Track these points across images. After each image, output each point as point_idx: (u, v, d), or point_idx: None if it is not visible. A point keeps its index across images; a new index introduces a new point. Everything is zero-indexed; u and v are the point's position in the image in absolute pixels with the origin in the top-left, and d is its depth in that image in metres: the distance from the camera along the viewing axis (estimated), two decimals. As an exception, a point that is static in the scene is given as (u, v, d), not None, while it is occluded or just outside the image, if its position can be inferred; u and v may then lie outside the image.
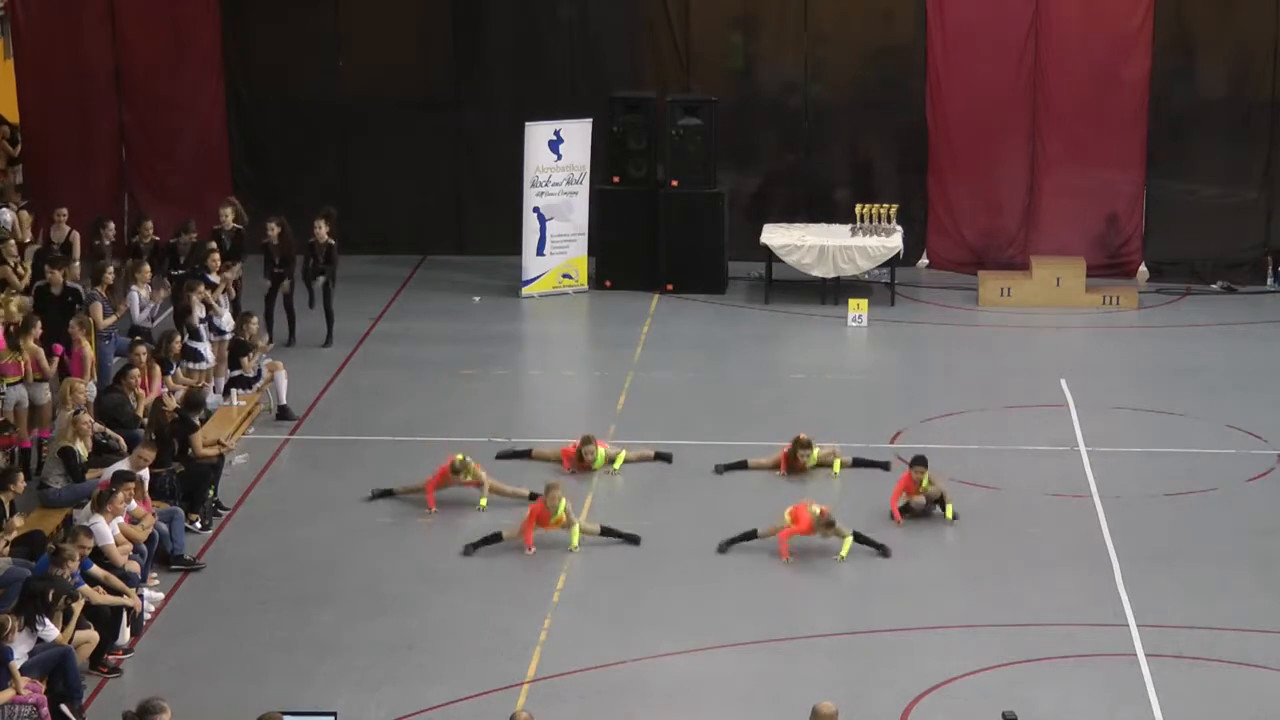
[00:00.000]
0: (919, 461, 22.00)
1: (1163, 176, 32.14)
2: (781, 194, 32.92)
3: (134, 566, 19.13)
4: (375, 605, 19.65)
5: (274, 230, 27.83)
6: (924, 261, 32.63)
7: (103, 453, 21.68)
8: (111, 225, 28.43)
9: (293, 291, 27.99)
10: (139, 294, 25.77)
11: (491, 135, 32.35)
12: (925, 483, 21.84)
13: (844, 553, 20.78)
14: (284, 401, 25.29)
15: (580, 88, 32.19)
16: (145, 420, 22.44)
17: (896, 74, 32.42)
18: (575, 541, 21.04)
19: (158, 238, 28.28)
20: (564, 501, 21.10)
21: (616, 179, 31.33)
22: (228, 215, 27.93)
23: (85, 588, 18.08)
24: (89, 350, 23.74)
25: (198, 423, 22.52)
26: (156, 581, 20.06)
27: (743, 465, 23.22)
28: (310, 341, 27.95)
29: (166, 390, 23.77)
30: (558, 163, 30.98)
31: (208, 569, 20.65)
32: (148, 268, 26.38)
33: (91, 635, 17.90)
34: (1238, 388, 26.70)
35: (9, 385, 22.86)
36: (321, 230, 27.87)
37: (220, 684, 17.93)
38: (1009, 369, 27.53)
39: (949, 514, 21.86)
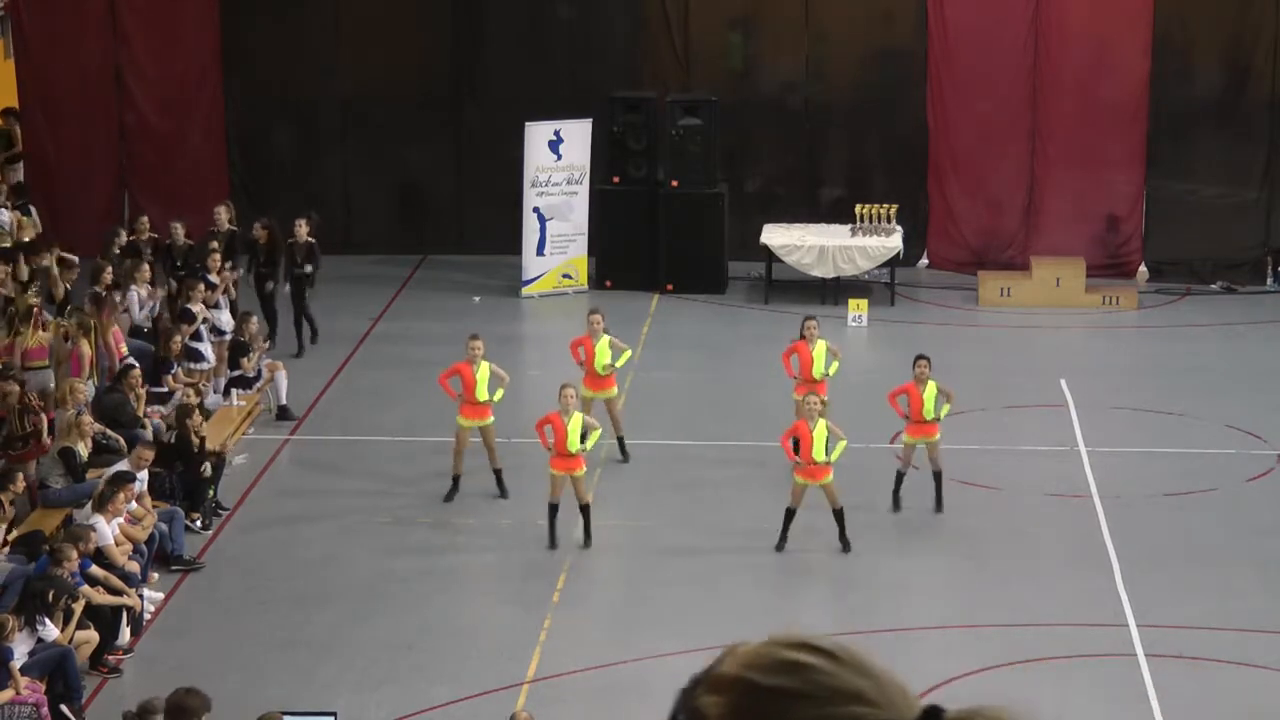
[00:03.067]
0: (921, 357, 22.06)
1: (1163, 176, 32.13)
2: (781, 194, 32.90)
3: (134, 566, 19.14)
4: (375, 605, 19.65)
5: (261, 232, 27.77)
6: (924, 261, 32.62)
7: (103, 453, 21.68)
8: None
9: (276, 293, 27.95)
10: (138, 293, 25.76)
11: (491, 135, 32.33)
12: (931, 388, 21.78)
13: (835, 455, 20.88)
14: (284, 401, 25.29)
15: (580, 88, 32.18)
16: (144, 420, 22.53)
17: (896, 74, 32.41)
18: (590, 442, 21.14)
19: (155, 234, 28.31)
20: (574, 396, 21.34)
21: (616, 179, 31.32)
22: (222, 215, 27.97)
23: (85, 588, 18.09)
24: (87, 350, 23.76)
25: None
26: (156, 580, 20.06)
27: None
28: (293, 346, 27.78)
29: (167, 390, 23.87)
30: (558, 163, 30.97)
31: (208, 569, 20.66)
32: (147, 267, 26.39)
33: (91, 635, 17.91)
34: (1238, 388, 26.69)
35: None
36: (302, 230, 27.71)
37: (220, 684, 17.90)
38: (1009, 369, 27.52)
39: (943, 413, 21.96)
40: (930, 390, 21.90)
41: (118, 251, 27.31)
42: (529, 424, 25.09)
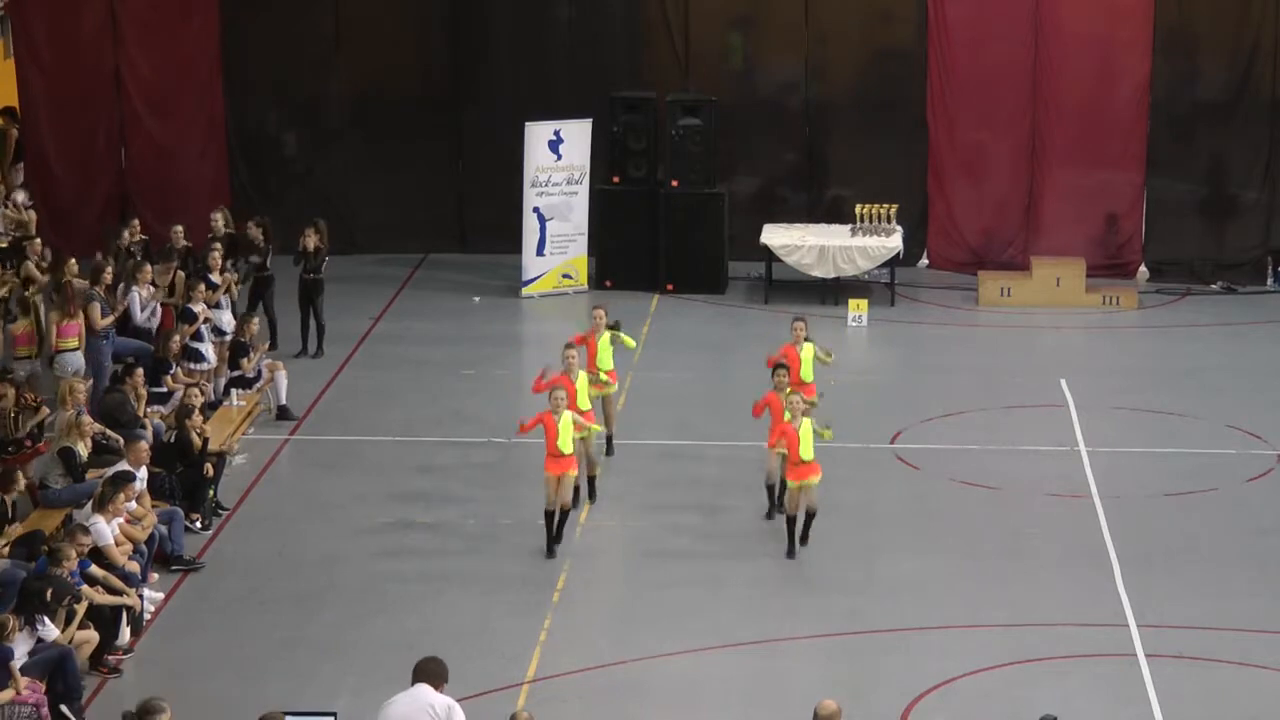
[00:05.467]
0: (780, 366, 21.98)
1: (1163, 176, 32.13)
2: (781, 194, 32.91)
3: (134, 566, 19.13)
4: (375, 605, 19.65)
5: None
6: (924, 261, 32.64)
7: (103, 453, 21.68)
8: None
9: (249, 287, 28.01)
10: (139, 294, 25.74)
11: (491, 135, 32.34)
12: (809, 351, 21.95)
13: (826, 433, 20.88)
14: (284, 401, 25.30)
15: (580, 88, 32.18)
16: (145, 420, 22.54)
17: (896, 74, 32.41)
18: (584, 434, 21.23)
19: (146, 236, 28.27)
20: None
21: (616, 179, 31.34)
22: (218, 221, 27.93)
23: (85, 588, 18.08)
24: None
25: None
26: (156, 580, 20.05)
27: None
28: (293, 349, 27.72)
29: (167, 390, 23.90)
30: (558, 163, 30.98)
31: (208, 569, 20.65)
32: (149, 267, 26.36)
33: (91, 635, 17.90)
34: (1238, 388, 26.71)
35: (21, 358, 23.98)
36: (310, 240, 27.60)
37: (220, 684, 17.93)
38: (1009, 369, 27.53)
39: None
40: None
41: (122, 245, 27.32)
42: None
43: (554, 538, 20.89)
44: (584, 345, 23.20)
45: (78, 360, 24.11)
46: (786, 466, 20.87)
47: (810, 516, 20.80)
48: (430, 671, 14.35)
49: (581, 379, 21.97)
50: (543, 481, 20.88)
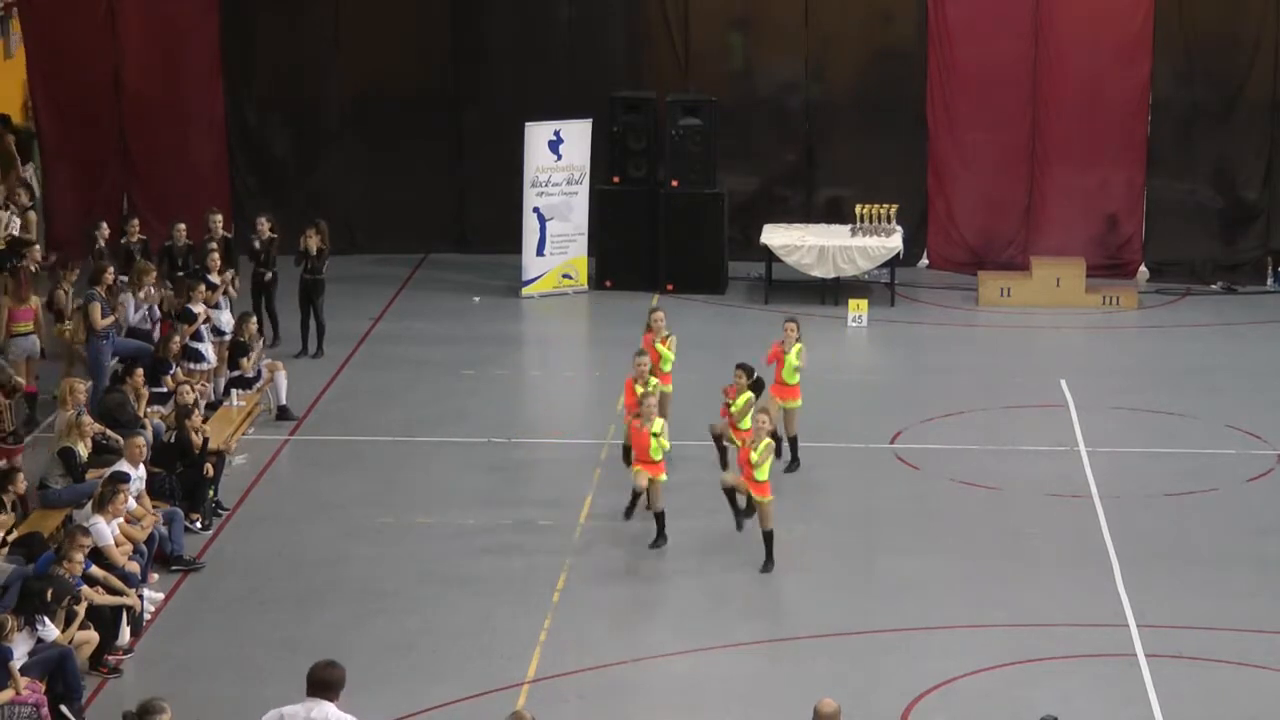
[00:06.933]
0: (741, 366, 22.05)
1: (1163, 176, 32.14)
2: (781, 194, 32.92)
3: (134, 567, 19.13)
4: (375, 605, 19.65)
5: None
6: (924, 261, 32.64)
7: (103, 453, 21.67)
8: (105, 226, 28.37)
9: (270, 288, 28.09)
10: (135, 296, 25.68)
11: (491, 135, 32.35)
12: (742, 399, 21.56)
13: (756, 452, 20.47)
14: (284, 402, 25.30)
15: (580, 88, 32.18)
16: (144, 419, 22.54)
17: (896, 74, 32.42)
18: (660, 447, 21.08)
19: (144, 236, 28.26)
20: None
21: (616, 179, 31.34)
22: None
23: (85, 588, 18.08)
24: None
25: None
26: (156, 580, 20.05)
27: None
28: (293, 349, 27.74)
29: (167, 390, 23.89)
30: (558, 163, 30.98)
31: (208, 569, 20.66)
32: (153, 270, 26.31)
33: (91, 635, 17.90)
34: (1238, 388, 26.71)
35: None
36: (312, 240, 27.62)
37: (220, 684, 17.93)
38: (1009, 369, 27.53)
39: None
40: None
41: (100, 246, 27.30)
42: (530, 423, 25.17)
43: (659, 537, 21.08)
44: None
45: (30, 344, 24.70)
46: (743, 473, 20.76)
47: (768, 536, 20.49)
48: (330, 683, 13.34)
49: (652, 383, 22.05)
50: (633, 472, 21.33)
